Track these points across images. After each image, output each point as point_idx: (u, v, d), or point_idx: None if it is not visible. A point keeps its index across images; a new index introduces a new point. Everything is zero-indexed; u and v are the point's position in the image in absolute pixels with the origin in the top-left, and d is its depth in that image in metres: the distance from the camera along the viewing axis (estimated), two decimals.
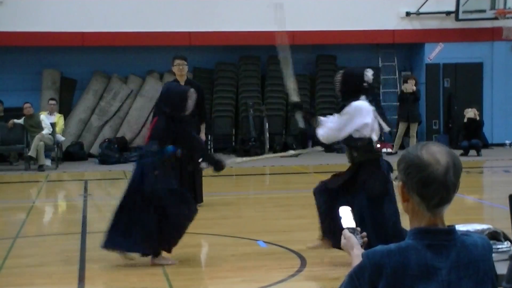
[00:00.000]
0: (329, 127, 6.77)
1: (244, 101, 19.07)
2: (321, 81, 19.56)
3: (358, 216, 6.03)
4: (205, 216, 9.64)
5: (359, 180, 6.65)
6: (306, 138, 6.04)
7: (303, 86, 19.57)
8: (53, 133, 16.08)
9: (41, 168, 15.47)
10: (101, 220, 9.66)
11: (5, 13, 17.57)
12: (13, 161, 17.08)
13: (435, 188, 2.38)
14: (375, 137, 6.71)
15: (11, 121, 16.13)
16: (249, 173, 15.00)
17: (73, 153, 17.68)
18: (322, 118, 6.98)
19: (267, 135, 18.71)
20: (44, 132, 15.82)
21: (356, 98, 6.70)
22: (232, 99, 19.32)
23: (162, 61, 18.03)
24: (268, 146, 18.56)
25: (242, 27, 18.33)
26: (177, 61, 10.29)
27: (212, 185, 12.43)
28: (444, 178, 2.37)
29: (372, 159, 6.68)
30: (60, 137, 16.65)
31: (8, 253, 7.38)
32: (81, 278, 6.37)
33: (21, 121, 16.12)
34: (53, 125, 16.19)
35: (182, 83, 10.30)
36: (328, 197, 6.85)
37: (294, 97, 7.50)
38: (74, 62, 18.51)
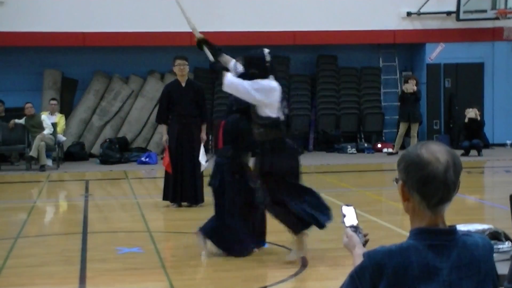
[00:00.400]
0: (239, 81, 6.76)
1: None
2: (322, 81, 19.56)
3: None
4: (206, 216, 9.62)
5: (265, 160, 6.74)
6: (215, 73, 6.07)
7: (303, 86, 19.60)
8: (54, 133, 16.09)
9: (42, 168, 15.48)
10: (102, 220, 9.69)
11: (6, 13, 17.58)
12: (14, 161, 17.09)
13: (436, 186, 2.38)
14: (282, 117, 6.80)
15: (12, 121, 16.14)
16: None
17: (74, 153, 17.69)
18: (229, 59, 7.24)
19: None
20: (45, 132, 15.83)
21: (265, 77, 6.77)
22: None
23: (163, 61, 18.05)
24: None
25: (243, 27, 18.34)
26: (178, 61, 10.30)
27: None
28: (444, 176, 2.38)
29: (277, 138, 6.75)
30: (61, 137, 16.66)
31: (9, 253, 7.38)
32: (82, 278, 6.38)
33: (22, 121, 16.13)
34: (54, 125, 16.20)
35: (183, 83, 10.31)
36: None
37: (197, 34, 7.89)
38: (75, 62, 18.52)
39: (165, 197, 10.24)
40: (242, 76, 6.81)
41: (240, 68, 6.97)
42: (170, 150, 10.18)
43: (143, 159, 16.74)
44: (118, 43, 18.08)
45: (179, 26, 18.16)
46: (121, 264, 6.92)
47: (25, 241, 8.15)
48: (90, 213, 10.03)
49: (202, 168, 10.03)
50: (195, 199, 10.24)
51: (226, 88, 6.88)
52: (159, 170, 15.75)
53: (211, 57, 7.47)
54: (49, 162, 16.05)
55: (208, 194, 10.51)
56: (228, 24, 18.29)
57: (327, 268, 6.82)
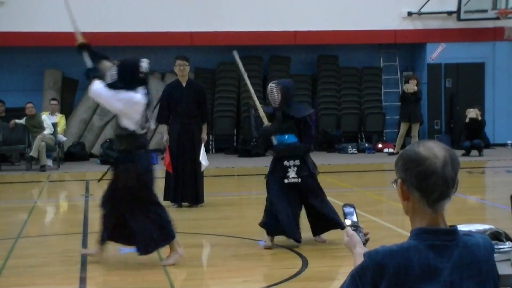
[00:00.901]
0: (103, 89, 6.72)
1: (246, 101, 19.06)
2: (323, 81, 19.55)
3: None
4: (207, 216, 9.65)
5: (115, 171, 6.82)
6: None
7: (304, 86, 19.59)
8: (54, 133, 16.08)
9: (42, 168, 15.47)
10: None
11: (6, 13, 17.58)
12: (15, 161, 17.08)
13: (434, 181, 2.39)
14: (140, 131, 6.78)
15: (12, 121, 16.13)
16: (251, 174, 14.99)
17: (74, 153, 17.68)
18: (110, 65, 7.05)
19: None
20: (45, 132, 15.82)
21: (133, 88, 6.68)
22: (234, 99, 19.33)
23: (164, 61, 18.06)
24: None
25: (244, 27, 18.33)
26: (178, 62, 10.31)
27: (214, 185, 12.45)
28: (442, 171, 2.39)
29: (127, 150, 6.77)
30: (62, 137, 16.65)
31: (9, 253, 7.38)
32: (83, 279, 6.37)
33: (22, 121, 16.13)
34: (54, 125, 16.20)
35: (184, 83, 10.31)
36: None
37: (79, 38, 8.04)
38: (76, 62, 18.44)
39: (165, 197, 10.23)
40: (113, 83, 6.70)
41: (115, 74, 6.82)
42: (171, 150, 10.18)
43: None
44: (119, 43, 18.07)
45: (179, 26, 18.25)
46: (121, 264, 6.91)
47: (26, 241, 8.14)
48: (90, 213, 10.02)
49: (203, 168, 10.02)
50: (196, 199, 10.24)
51: (91, 94, 6.87)
52: (159, 170, 15.73)
53: (88, 63, 7.36)
54: (49, 162, 16.04)
55: (210, 194, 10.53)
56: (229, 24, 18.28)
57: (327, 268, 6.82)
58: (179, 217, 9.77)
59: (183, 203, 10.23)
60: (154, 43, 18.25)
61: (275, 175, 7.56)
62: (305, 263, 6.80)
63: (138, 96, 6.69)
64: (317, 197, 7.63)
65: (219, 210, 10.11)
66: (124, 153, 6.81)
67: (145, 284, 6.37)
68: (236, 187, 13.67)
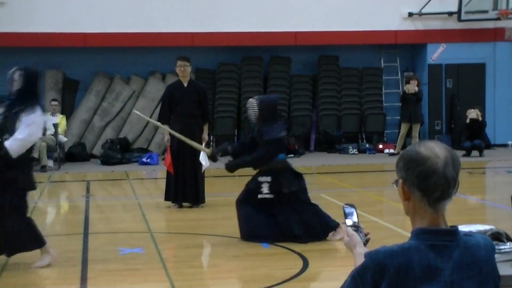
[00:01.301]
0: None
1: (247, 101, 19.06)
2: (323, 82, 19.55)
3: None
4: (208, 216, 9.66)
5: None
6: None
7: (304, 86, 19.59)
8: (55, 134, 16.09)
9: (43, 168, 15.48)
10: (103, 220, 9.68)
11: (6, 14, 17.59)
12: None
13: (435, 181, 2.39)
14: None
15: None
16: (252, 174, 14.96)
17: (75, 154, 17.69)
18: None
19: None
20: (46, 133, 15.83)
21: None
22: (235, 100, 19.33)
23: (165, 62, 18.07)
24: (313, 147, 18.64)
25: (244, 28, 18.33)
26: (179, 62, 10.33)
27: (215, 185, 12.45)
28: (443, 171, 2.39)
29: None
30: (63, 138, 16.66)
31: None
32: (83, 279, 6.37)
33: None
34: (55, 126, 16.21)
35: (185, 84, 10.32)
36: None
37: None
38: (77, 63, 18.53)
39: (166, 198, 10.24)
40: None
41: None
42: (172, 150, 10.18)
43: (144, 159, 16.74)
44: (119, 43, 18.10)
45: (180, 27, 18.26)
46: (122, 264, 6.92)
47: None
48: (91, 213, 10.03)
49: (203, 169, 10.02)
50: (196, 200, 10.24)
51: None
52: (160, 171, 15.75)
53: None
54: (50, 163, 16.05)
55: (211, 194, 10.53)
56: (229, 24, 18.29)
57: (328, 268, 6.82)
58: (180, 217, 9.79)
59: (184, 204, 10.23)
60: (155, 44, 18.26)
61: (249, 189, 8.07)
62: (305, 264, 6.81)
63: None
64: (293, 211, 7.73)
65: (220, 211, 10.11)
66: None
67: (146, 285, 6.38)
68: (237, 188, 13.60)
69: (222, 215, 9.74)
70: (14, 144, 6.70)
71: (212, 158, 8.67)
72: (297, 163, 16.73)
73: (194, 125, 10.22)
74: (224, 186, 13.23)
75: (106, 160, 16.73)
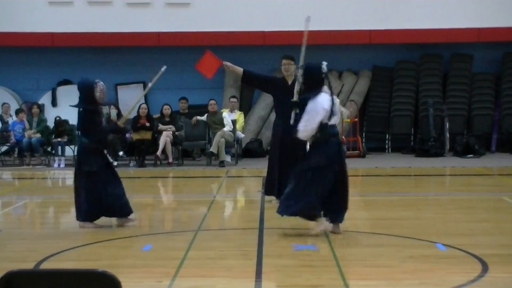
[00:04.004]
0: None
1: (424, 100, 18.64)
2: (508, 80, 18.72)
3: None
4: (384, 216, 9.54)
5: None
6: None
7: (487, 85, 18.84)
8: (233, 130, 16.52)
9: (221, 164, 15.95)
10: (278, 216, 9.80)
11: (192, 14, 18.29)
12: (196, 156, 17.75)
13: None
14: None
15: (194, 118, 16.77)
16: (429, 174, 14.65)
17: (252, 150, 18.08)
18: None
19: (447, 135, 18.17)
20: (225, 129, 16.30)
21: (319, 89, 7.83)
22: (412, 98, 18.95)
23: (341, 60, 18.07)
24: (448, 147, 18.04)
25: (423, 24, 17.94)
26: (284, 61, 10.57)
27: (390, 184, 12.27)
28: None
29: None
30: (240, 134, 17.07)
31: (190, 245, 7.64)
32: (259, 273, 6.47)
33: (204, 118, 16.71)
34: (233, 122, 16.64)
35: (290, 82, 10.41)
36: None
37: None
38: (255, 60, 18.91)
39: (268, 192, 10.39)
40: None
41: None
42: (274, 148, 10.34)
43: None
44: (295, 41, 18.24)
45: (357, 24, 18.15)
46: (296, 260, 6.96)
47: (205, 234, 8.41)
48: (266, 209, 10.19)
49: None
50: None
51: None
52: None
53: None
54: (228, 158, 16.51)
55: (386, 194, 10.38)
56: (408, 21, 17.97)
57: (510, 275, 6.50)
58: (357, 216, 9.73)
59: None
60: (331, 42, 18.28)
61: None
62: (485, 268, 6.53)
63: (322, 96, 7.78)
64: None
65: (396, 211, 9.95)
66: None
67: (319, 282, 6.37)
68: (412, 187, 13.39)
69: (399, 215, 9.58)
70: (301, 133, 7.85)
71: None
72: (477, 163, 16.14)
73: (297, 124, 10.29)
74: (401, 186, 13.00)
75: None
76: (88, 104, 8.54)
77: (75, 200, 8.68)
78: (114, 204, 8.66)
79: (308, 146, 8.34)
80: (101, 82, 8.65)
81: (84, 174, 8.56)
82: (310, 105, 7.87)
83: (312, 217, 8.12)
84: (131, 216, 8.85)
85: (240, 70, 10.47)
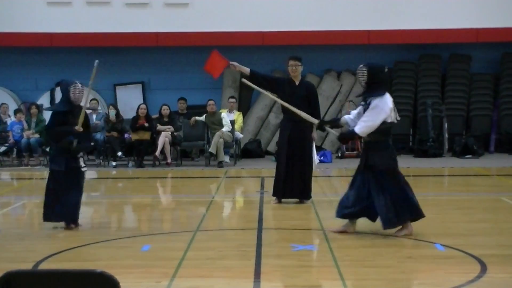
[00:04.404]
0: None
1: (423, 100, 18.65)
2: (507, 80, 18.72)
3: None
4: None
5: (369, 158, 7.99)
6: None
7: (485, 85, 18.85)
8: (232, 131, 16.52)
9: (220, 164, 15.95)
10: (277, 217, 9.80)
11: (191, 14, 18.29)
12: (195, 156, 17.75)
13: None
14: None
15: (193, 119, 16.76)
16: (427, 174, 14.65)
17: (251, 150, 18.08)
18: (346, 118, 8.36)
19: (446, 135, 18.18)
20: (224, 129, 16.30)
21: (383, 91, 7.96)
22: (411, 99, 18.96)
23: (340, 60, 18.08)
24: (447, 147, 18.05)
25: (422, 25, 17.95)
26: (291, 62, 10.65)
27: None
28: None
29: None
30: (239, 134, 17.08)
31: (189, 245, 7.65)
32: (257, 273, 6.47)
33: (202, 118, 16.71)
34: (232, 122, 16.64)
35: (297, 82, 10.57)
36: None
37: (313, 120, 9.08)
38: (254, 60, 18.90)
39: (274, 193, 10.49)
40: None
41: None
42: (282, 148, 10.44)
43: (317, 157, 16.79)
44: (296, 42, 18.27)
45: (355, 24, 18.16)
46: (295, 261, 6.96)
47: (204, 234, 8.41)
48: (265, 209, 10.19)
49: (315, 167, 10.48)
50: (305, 195, 10.41)
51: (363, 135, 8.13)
52: (334, 169, 15.76)
53: (336, 133, 8.78)
54: (226, 159, 16.51)
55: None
56: (406, 21, 17.97)
57: (508, 275, 6.50)
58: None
59: (290, 200, 10.52)
60: (330, 42, 18.30)
61: None
62: (483, 269, 6.53)
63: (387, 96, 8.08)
64: None
65: None
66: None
67: (319, 282, 6.38)
68: (412, 188, 13.35)
69: None
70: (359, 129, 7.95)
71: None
72: (476, 164, 16.15)
73: (304, 123, 10.31)
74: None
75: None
76: (63, 105, 8.60)
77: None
78: (65, 210, 8.58)
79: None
80: (79, 84, 8.57)
81: (50, 173, 8.69)
82: (375, 102, 7.91)
83: (420, 215, 8.15)
84: (73, 225, 8.69)
85: (247, 70, 10.52)
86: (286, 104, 9.76)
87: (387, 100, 7.99)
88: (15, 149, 17.41)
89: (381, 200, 7.92)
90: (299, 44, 18.08)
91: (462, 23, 17.93)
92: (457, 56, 19.00)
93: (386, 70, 8.24)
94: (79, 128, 8.57)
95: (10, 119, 17.82)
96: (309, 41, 18.22)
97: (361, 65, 8.09)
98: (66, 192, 8.56)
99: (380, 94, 7.96)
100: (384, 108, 7.92)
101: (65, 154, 8.57)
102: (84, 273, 3.02)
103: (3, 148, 17.83)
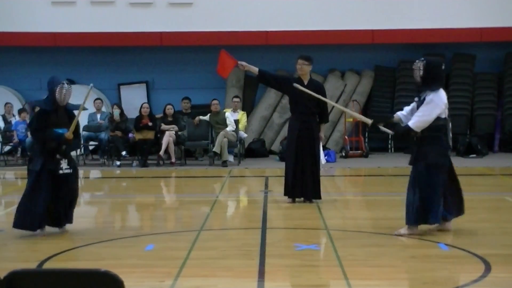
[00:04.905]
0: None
1: None
2: (510, 80, 18.69)
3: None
4: (386, 216, 9.53)
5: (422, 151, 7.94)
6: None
7: (489, 85, 18.82)
8: (236, 130, 16.52)
9: (224, 163, 15.96)
10: (280, 216, 9.81)
11: (195, 14, 18.29)
12: (199, 156, 17.75)
13: None
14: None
15: (197, 118, 16.77)
16: None
17: (254, 150, 18.08)
18: (399, 114, 8.37)
19: (450, 135, 18.10)
20: (228, 129, 16.30)
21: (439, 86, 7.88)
22: (413, 98, 18.95)
23: (344, 60, 18.06)
24: (451, 146, 18.01)
25: (426, 24, 17.93)
26: (299, 61, 10.70)
27: (393, 184, 12.27)
28: None
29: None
30: (243, 134, 17.08)
31: (193, 245, 7.65)
32: (261, 273, 6.47)
33: (206, 117, 16.72)
34: (236, 122, 16.65)
35: (305, 81, 10.57)
36: None
37: (366, 120, 8.95)
38: (258, 60, 18.88)
39: (285, 193, 10.52)
40: None
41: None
42: (291, 146, 10.49)
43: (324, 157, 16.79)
44: (300, 41, 18.27)
45: (360, 24, 18.15)
46: (298, 260, 6.96)
47: (208, 234, 8.41)
48: (269, 209, 10.19)
49: (322, 166, 10.53)
50: (314, 196, 10.44)
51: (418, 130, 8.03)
52: (338, 169, 15.75)
53: (390, 132, 8.79)
54: (230, 158, 16.52)
55: (387, 194, 10.39)
56: (410, 20, 17.95)
57: None
58: (358, 215, 9.73)
59: (299, 199, 10.49)
60: (334, 41, 18.29)
61: None
62: (487, 268, 6.53)
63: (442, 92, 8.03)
64: None
65: (398, 210, 9.93)
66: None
67: (322, 282, 6.38)
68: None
69: (400, 215, 9.57)
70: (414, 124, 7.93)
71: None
72: (479, 163, 16.13)
73: (312, 122, 10.45)
74: (401, 186, 13.00)
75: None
76: (48, 104, 8.29)
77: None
78: (41, 212, 8.18)
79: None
80: (66, 84, 8.24)
81: (28, 172, 8.36)
82: (430, 97, 7.89)
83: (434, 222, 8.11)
84: (38, 231, 8.27)
85: (255, 69, 10.54)
86: (340, 107, 10.36)
87: (442, 96, 7.95)
88: (19, 149, 17.44)
89: (411, 194, 8.01)
90: (303, 44, 18.08)
91: (466, 23, 17.91)
92: (461, 56, 18.97)
93: (443, 66, 8.18)
94: (69, 135, 8.26)
95: (15, 119, 17.84)
96: (313, 40, 18.21)
97: (418, 60, 8.04)
98: (43, 196, 8.17)
99: (435, 89, 7.92)
100: (439, 103, 7.90)
101: (42, 154, 8.21)
102: (88, 272, 3.02)
103: (7, 148, 17.86)
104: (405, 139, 8.23)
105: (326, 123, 10.86)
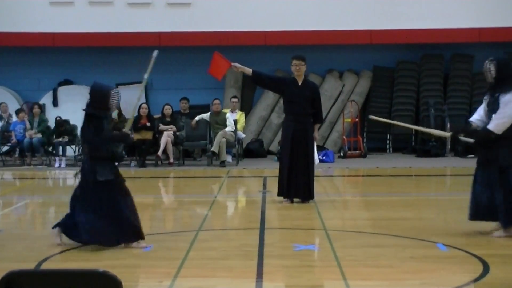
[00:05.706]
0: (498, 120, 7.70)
1: (425, 100, 18.64)
2: None
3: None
4: (385, 216, 9.53)
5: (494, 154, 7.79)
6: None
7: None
8: (234, 130, 16.52)
9: (222, 164, 15.96)
10: (279, 217, 9.80)
11: (192, 14, 18.29)
12: (197, 156, 17.75)
13: None
14: None
15: (194, 121, 16.77)
16: (429, 174, 14.65)
17: (253, 150, 18.08)
18: (474, 120, 8.15)
19: None
20: (227, 129, 16.31)
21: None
22: (413, 99, 18.96)
23: (342, 60, 18.05)
24: (449, 147, 18.04)
25: (424, 25, 17.95)
26: (294, 61, 10.65)
27: (392, 185, 12.26)
28: None
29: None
30: (241, 134, 17.09)
31: (191, 245, 7.64)
32: (260, 273, 6.47)
33: (207, 116, 16.73)
34: (234, 122, 16.65)
35: (300, 82, 10.56)
36: None
37: (444, 133, 9.09)
38: (257, 61, 18.90)
39: (279, 193, 10.54)
40: None
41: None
42: (285, 147, 10.48)
43: (319, 157, 16.79)
44: (298, 42, 18.28)
45: (358, 24, 18.15)
46: (297, 261, 6.96)
47: (206, 234, 8.40)
48: (267, 209, 10.19)
49: (315, 167, 10.52)
50: (308, 196, 10.46)
51: (498, 132, 7.79)
52: (336, 169, 15.75)
53: (471, 141, 8.54)
54: (229, 158, 16.52)
55: (386, 194, 10.38)
56: (408, 21, 17.95)
57: (511, 275, 6.50)
58: (357, 216, 9.73)
59: (295, 199, 10.48)
60: (332, 42, 18.30)
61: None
62: (486, 269, 6.53)
63: None
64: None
65: (397, 211, 9.95)
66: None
67: (321, 282, 6.37)
68: (413, 188, 13.39)
69: (400, 215, 9.58)
70: (493, 127, 7.75)
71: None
72: None
73: (307, 123, 10.49)
74: (402, 186, 13.01)
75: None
76: (99, 109, 7.59)
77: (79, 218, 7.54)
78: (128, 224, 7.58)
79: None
80: (118, 90, 7.89)
81: (97, 184, 7.45)
82: (508, 97, 7.72)
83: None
84: (141, 243, 7.67)
85: (249, 70, 10.53)
86: (413, 126, 10.78)
87: None
88: (17, 149, 17.43)
89: (501, 195, 7.82)
90: (301, 44, 18.08)
91: (465, 23, 17.93)
92: (459, 56, 18.98)
93: None
94: (132, 133, 7.90)
95: (12, 118, 17.83)
96: (311, 41, 18.22)
97: (487, 61, 7.92)
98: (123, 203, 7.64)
99: (510, 89, 7.77)
100: None
101: (105, 162, 7.50)
102: (87, 272, 3.02)
103: (5, 148, 17.85)
104: (486, 144, 7.95)
105: (320, 124, 10.87)
